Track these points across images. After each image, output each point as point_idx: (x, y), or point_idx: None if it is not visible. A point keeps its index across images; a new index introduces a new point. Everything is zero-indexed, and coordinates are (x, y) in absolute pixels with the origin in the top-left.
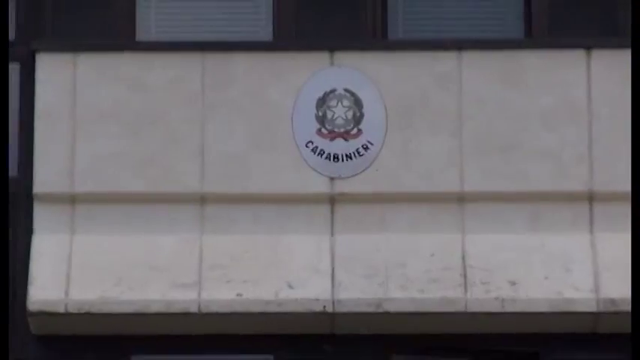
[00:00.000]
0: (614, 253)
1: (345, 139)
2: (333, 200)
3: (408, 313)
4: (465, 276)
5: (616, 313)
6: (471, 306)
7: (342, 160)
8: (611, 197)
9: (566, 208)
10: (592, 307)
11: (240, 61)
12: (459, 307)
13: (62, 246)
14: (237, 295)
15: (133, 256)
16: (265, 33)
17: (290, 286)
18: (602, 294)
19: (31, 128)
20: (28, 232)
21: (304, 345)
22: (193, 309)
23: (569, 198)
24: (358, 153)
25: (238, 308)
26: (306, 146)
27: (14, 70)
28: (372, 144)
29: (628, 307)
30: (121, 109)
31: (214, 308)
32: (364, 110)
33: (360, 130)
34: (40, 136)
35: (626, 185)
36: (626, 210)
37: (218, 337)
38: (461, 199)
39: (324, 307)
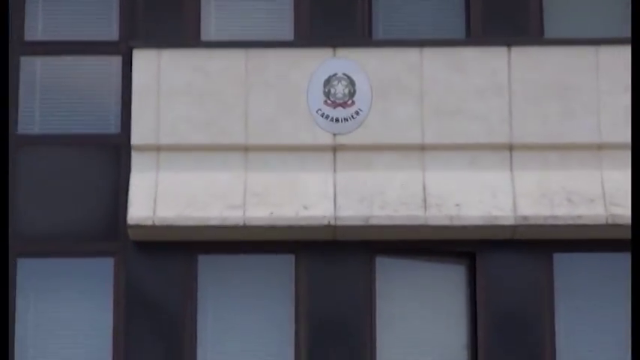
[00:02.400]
0: (527, 185)
1: (344, 108)
2: (335, 149)
3: (386, 226)
4: (424, 200)
5: (527, 226)
6: (429, 221)
7: (341, 121)
8: (525, 147)
9: (493, 154)
10: (511, 221)
11: (271, 53)
12: (421, 222)
13: (150, 180)
14: (270, 213)
15: (199, 186)
16: (288, 35)
17: (305, 207)
18: (517, 212)
19: (129, 100)
20: (128, 171)
21: (316, 247)
22: (240, 223)
23: (495, 147)
24: (352, 117)
25: (270, 222)
26: (317, 112)
27: (117, 61)
28: (361, 110)
29: (536, 222)
30: (190, 87)
31: (254, 222)
32: (356, 88)
33: (353, 102)
34: (135, 105)
35: (534, 138)
36: (534, 155)
37: (256, 242)
38: (422, 148)
39: (329, 221)
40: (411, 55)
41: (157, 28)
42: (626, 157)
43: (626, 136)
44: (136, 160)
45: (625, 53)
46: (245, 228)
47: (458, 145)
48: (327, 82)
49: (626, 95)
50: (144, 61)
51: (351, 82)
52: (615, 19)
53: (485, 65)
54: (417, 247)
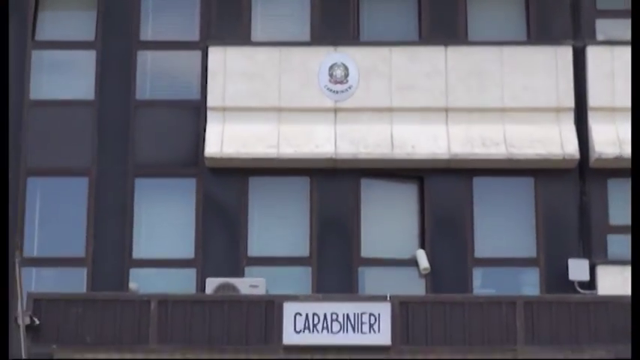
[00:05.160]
0: (457, 134)
1: (341, 84)
2: (335, 110)
3: (368, 159)
4: (392, 143)
5: (457, 160)
6: (394, 156)
7: (340, 93)
8: (455, 110)
9: (435, 114)
10: (446, 157)
11: (296, 50)
12: (389, 157)
13: (219, 129)
14: (294, 150)
15: (249, 133)
16: (306, 37)
17: (317, 147)
18: (451, 151)
19: (206, 79)
20: (205, 123)
21: (323, 172)
22: (275, 156)
23: (437, 110)
24: (346, 90)
25: (294, 156)
26: (324, 87)
27: (198, 54)
28: (353, 86)
29: (462, 157)
30: (244, 70)
31: (284, 156)
32: (349, 72)
33: (347, 80)
34: (210, 82)
35: (461, 104)
36: (461, 115)
37: (286, 169)
38: (390, 110)
39: (331, 156)
40: (384, 51)
41: (223, 33)
42: (520, 115)
43: (519, 103)
44: (210, 116)
45: (519, 51)
46: (278, 160)
47: (413, 108)
48: (331, 68)
49: (520, 77)
50: (215, 54)
51: (346, 68)
52: (514, 28)
53: (431, 57)
54: (386, 173)
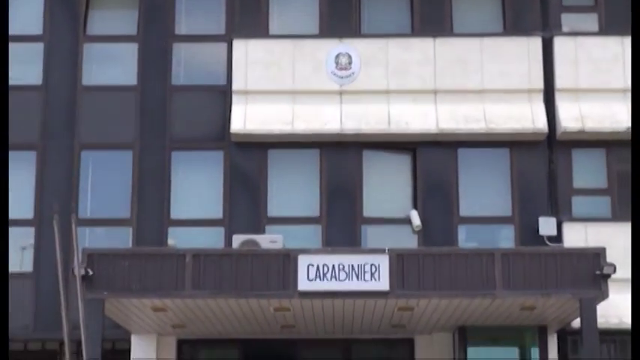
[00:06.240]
0: (444, 112)
1: (346, 70)
2: (341, 93)
3: (369, 134)
4: (389, 120)
5: (444, 134)
6: (391, 131)
7: (344, 78)
8: (442, 91)
9: (425, 96)
10: (435, 131)
11: (306, 41)
12: (387, 131)
13: (242, 109)
14: (306, 127)
15: (267, 112)
16: (315, 30)
17: (325, 124)
18: (439, 126)
19: (231, 67)
20: (230, 104)
21: (331, 145)
22: (290, 132)
23: (426, 92)
24: (350, 76)
25: (306, 132)
26: (331, 73)
27: (224, 46)
28: (355, 72)
29: (448, 132)
30: (263, 60)
31: (298, 132)
32: (352, 59)
33: (351, 67)
34: (234, 70)
35: (448, 87)
36: (447, 96)
37: (299, 142)
38: (387, 92)
39: (338, 132)
40: (381, 42)
41: (246, 27)
42: (497, 96)
43: (496, 85)
44: (235, 98)
45: (496, 41)
46: (293, 135)
47: (407, 90)
48: (337, 56)
49: (497, 63)
50: (238, 45)
51: (350, 57)
52: (492, 22)
53: (422, 47)
54: (384, 146)
